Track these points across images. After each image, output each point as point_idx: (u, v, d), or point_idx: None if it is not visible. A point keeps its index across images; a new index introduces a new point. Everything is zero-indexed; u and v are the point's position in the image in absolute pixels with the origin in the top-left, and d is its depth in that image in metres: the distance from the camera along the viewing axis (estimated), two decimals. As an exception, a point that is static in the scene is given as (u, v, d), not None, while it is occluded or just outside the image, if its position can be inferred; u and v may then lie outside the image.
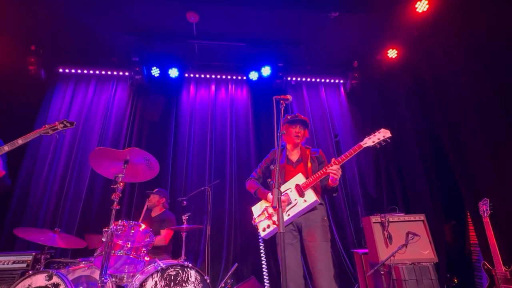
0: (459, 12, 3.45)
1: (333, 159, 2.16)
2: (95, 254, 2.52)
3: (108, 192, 4.03)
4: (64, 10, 3.77)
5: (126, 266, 2.63)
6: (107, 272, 1.99)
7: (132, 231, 2.50)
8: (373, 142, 2.15)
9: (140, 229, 2.54)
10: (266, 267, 3.29)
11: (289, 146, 2.53)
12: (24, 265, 2.93)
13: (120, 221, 2.43)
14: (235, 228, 4.20)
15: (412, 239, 2.78)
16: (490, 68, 3.09)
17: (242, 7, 3.86)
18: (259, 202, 2.39)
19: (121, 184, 2.16)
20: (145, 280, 2.28)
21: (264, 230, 2.21)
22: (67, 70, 4.76)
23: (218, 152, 4.65)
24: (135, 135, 4.54)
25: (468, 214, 3.43)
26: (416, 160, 4.13)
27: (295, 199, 2.16)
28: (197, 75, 5.12)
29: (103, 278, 1.90)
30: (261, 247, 3.31)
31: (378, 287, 3.06)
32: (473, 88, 3.23)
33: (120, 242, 2.45)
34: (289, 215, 2.15)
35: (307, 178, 2.22)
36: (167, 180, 4.29)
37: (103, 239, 2.17)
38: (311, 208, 2.17)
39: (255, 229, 2.34)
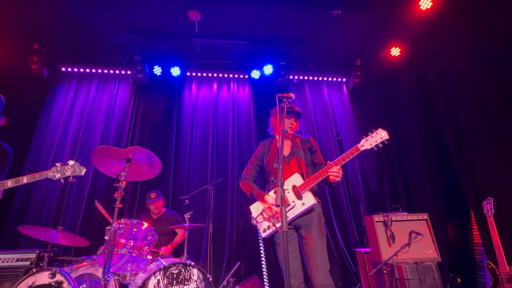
0: (462, 10, 3.42)
1: (328, 163, 2.13)
2: (98, 252, 2.54)
3: (110, 191, 4.05)
4: (66, 9, 3.78)
5: (129, 264, 2.65)
6: (110, 270, 1.99)
7: (135, 230, 2.51)
8: (370, 144, 2.11)
9: (143, 227, 2.56)
10: (265, 266, 3.28)
11: (278, 137, 2.47)
12: (28, 262, 2.95)
13: (122, 219, 2.45)
14: (237, 227, 4.20)
15: (415, 238, 2.78)
16: (493, 66, 3.07)
17: (244, 6, 3.84)
18: (256, 202, 2.39)
19: (124, 182, 2.16)
20: (148, 278, 2.29)
21: (264, 231, 2.22)
22: (69, 69, 4.77)
23: (220, 151, 4.64)
24: (137, 134, 4.55)
25: (472, 213, 3.40)
26: (419, 158, 4.11)
27: (293, 201, 2.13)
28: (199, 74, 5.11)
29: (106, 276, 1.90)
30: (260, 246, 3.30)
31: (381, 287, 3.05)
32: (476, 87, 3.21)
33: (122, 240, 2.46)
34: (287, 217, 2.13)
35: (302, 175, 2.19)
36: (169, 179, 4.30)
37: (106, 237, 2.17)
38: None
39: (256, 227, 2.34)
